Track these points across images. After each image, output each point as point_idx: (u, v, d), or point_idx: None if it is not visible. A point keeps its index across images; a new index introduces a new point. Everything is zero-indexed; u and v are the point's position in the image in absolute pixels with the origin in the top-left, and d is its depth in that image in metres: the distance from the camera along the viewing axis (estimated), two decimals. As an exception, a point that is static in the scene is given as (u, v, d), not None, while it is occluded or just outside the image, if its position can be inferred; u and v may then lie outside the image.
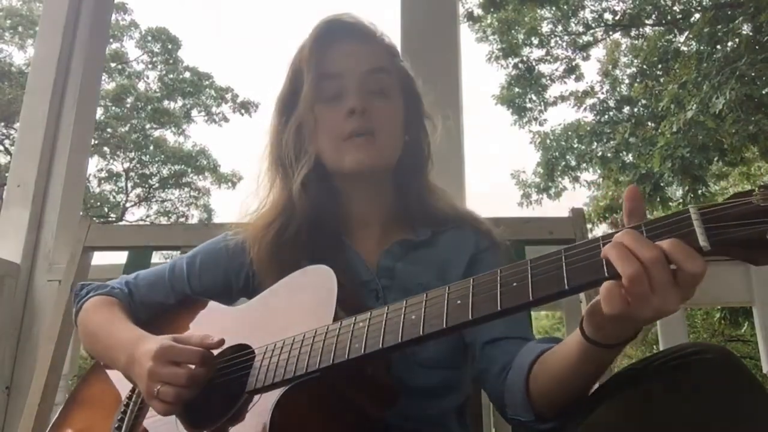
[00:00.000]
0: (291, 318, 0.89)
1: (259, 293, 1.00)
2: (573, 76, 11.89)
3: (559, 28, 11.80)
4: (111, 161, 14.83)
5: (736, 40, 8.62)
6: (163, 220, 15.06)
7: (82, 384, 1.13)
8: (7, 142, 13.31)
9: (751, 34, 8.58)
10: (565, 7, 11.40)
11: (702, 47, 9.16)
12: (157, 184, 15.27)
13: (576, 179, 11.74)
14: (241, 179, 15.09)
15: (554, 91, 12.06)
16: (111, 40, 13.99)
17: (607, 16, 11.55)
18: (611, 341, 0.70)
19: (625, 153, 10.59)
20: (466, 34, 11.41)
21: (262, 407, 0.80)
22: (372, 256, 1.05)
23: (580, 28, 11.76)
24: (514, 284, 0.67)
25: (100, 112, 13.61)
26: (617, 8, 11.41)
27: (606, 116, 11.53)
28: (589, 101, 11.78)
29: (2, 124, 13.22)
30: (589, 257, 0.63)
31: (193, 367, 0.86)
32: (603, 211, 9.89)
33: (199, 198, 15.41)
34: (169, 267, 1.16)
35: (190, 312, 1.10)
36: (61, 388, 1.58)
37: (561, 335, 1.03)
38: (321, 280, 0.88)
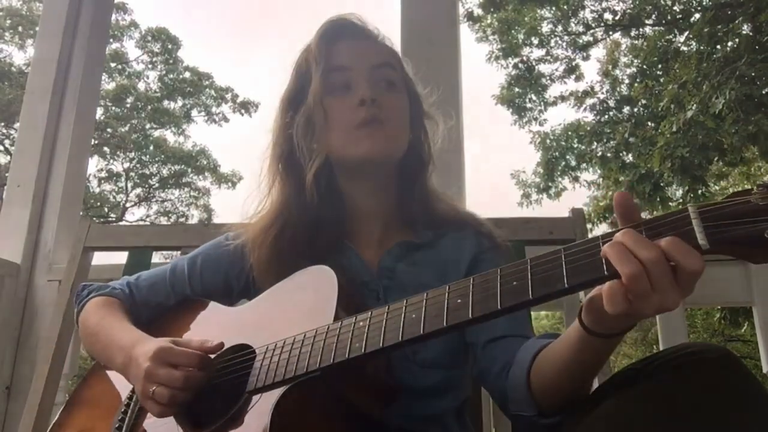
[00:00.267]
0: (291, 318, 0.89)
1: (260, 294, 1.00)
2: (573, 76, 11.90)
3: (559, 28, 11.80)
4: (111, 161, 14.87)
5: (736, 40, 8.63)
6: (163, 220, 15.06)
7: (83, 384, 1.13)
8: (7, 142, 13.33)
9: (751, 34, 8.58)
10: (565, 7, 11.40)
11: (702, 47, 9.16)
12: (157, 184, 15.28)
13: (576, 179, 11.75)
14: (241, 179, 15.13)
15: (554, 91, 12.10)
16: (111, 40, 14.00)
17: (607, 16, 11.55)
18: (610, 332, 0.70)
19: (625, 153, 10.58)
20: (466, 34, 11.43)
21: (262, 407, 0.80)
22: (373, 257, 1.05)
23: (580, 28, 11.76)
24: (514, 283, 0.67)
25: (100, 112, 13.62)
26: (617, 8, 11.42)
27: (606, 116, 11.53)
28: (589, 101, 11.78)
29: (2, 124, 13.23)
30: (588, 256, 0.64)
31: (190, 370, 0.86)
32: (603, 211, 9.90)
33: (199, 198, 15.44)
34: (170, 268, 1.16)
35: (190, 313, 1.10)
36: (61, 388, 1.58)
37: (561, 335, 1.04)
38: (321, 280, 0.88)
